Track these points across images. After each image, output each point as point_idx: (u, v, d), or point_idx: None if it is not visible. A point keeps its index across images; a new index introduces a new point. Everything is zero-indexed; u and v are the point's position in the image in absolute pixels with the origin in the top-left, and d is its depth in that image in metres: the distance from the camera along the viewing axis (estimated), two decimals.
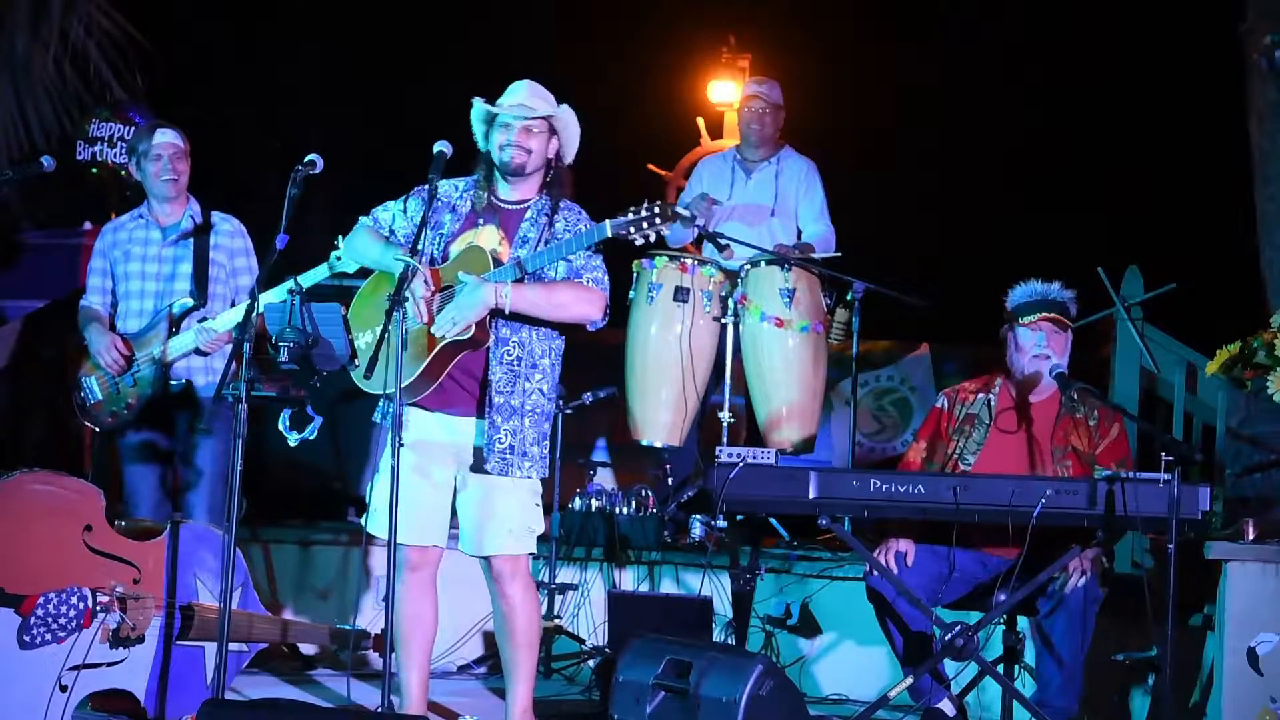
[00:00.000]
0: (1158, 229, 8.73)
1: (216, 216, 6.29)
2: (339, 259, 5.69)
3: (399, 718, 5.21)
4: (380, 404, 5.25)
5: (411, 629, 5.24)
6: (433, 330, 5.08)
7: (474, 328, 5.05)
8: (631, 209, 5.05)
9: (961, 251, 9.19)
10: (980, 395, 5.75)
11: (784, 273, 6.94)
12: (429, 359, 5.05)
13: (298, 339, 5.01)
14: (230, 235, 6.27)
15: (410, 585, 5.22)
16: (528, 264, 5.08)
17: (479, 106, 5.23)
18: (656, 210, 5.02)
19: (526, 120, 5.17)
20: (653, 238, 5.06)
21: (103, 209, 7.98)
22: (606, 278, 5.21)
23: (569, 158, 5.29)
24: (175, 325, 6.15)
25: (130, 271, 6.23)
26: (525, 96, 5.20)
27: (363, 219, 5.34)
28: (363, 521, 5.27)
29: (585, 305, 5.15)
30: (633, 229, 5.03)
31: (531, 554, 5.29)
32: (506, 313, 5.08)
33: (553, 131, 5.23)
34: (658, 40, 10.03)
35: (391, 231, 5.28)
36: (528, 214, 5.23)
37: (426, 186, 5.16)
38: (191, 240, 6.22)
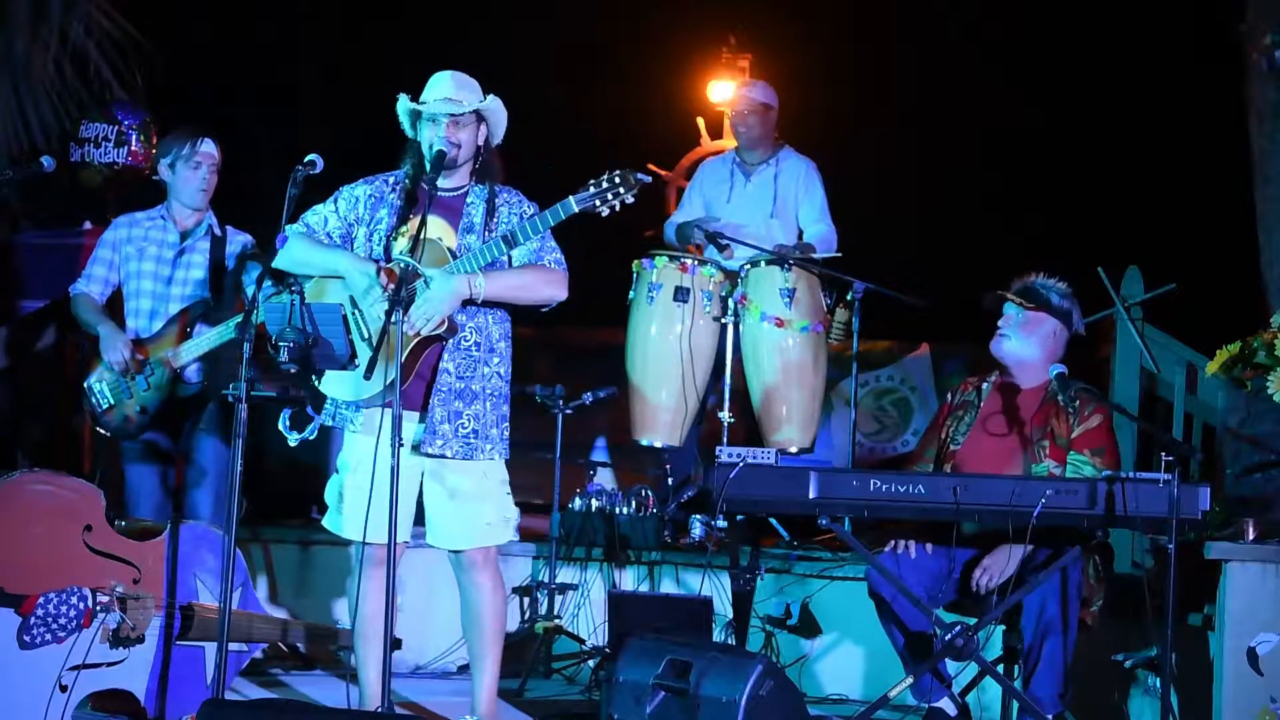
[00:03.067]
0: (1158, 229, 8.72)
1: (231, 230, 6.33)
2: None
3: (399, 718, 5.22)
4: (328, 404, 5.23)
5: (374, 628, 5.10)
6: (406, 329, 5.01)
7: (446, 321, 5.10)
8: (592, 182, 5.03)
9: (961, 251, 9.18)
10: (977, 384, 5.86)
11: (784, 273, 6.94)
12: (403, 357, 4.98)
13: (298, 339, 5.01)
14: (244, 248, 6.31)
15: (374, 581, 5.12)
16: (485, 253, 5.08)
17: (404, 103, 5.21)
18: (618, 179, 5.00)
19: (454, 115, 5.16)
20: (618, 207, 5.01)
21: (102, 209, 7.98)
22: (562, 257, 5.25)
23: (497, 141, 5.29)
24: (188, 328, 6.16)
25: (143, 270, 6.24)
26: (450, 90, 5.18)
27: (292, 227, 5.22)
28: (323, 521, 5.33)
29: (551, 286, 5.21)
30: (598, 201, 5.00)
31: (511, 539, 5.34)
32: (479, 301, 5.12)
33: (480, 119, 5.23)
34: (658, 40, 10.01)
35: (328, 235, 5.27)
36: (468, 200, 5.25)
37: (359, 183, 5.25)
38: (208, 246, 6.24)
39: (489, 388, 5.21)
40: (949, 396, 5.95)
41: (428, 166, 5.14)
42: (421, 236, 5.07)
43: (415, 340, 5.08)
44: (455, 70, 5.25)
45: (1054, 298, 5.71)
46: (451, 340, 5.15)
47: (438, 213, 5.18)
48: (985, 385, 5.83)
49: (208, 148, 6.24)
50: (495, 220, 5.22)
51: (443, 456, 5.16)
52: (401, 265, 5.04)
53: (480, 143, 5.24)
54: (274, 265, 5.18)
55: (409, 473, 5.13)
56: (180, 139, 6.26)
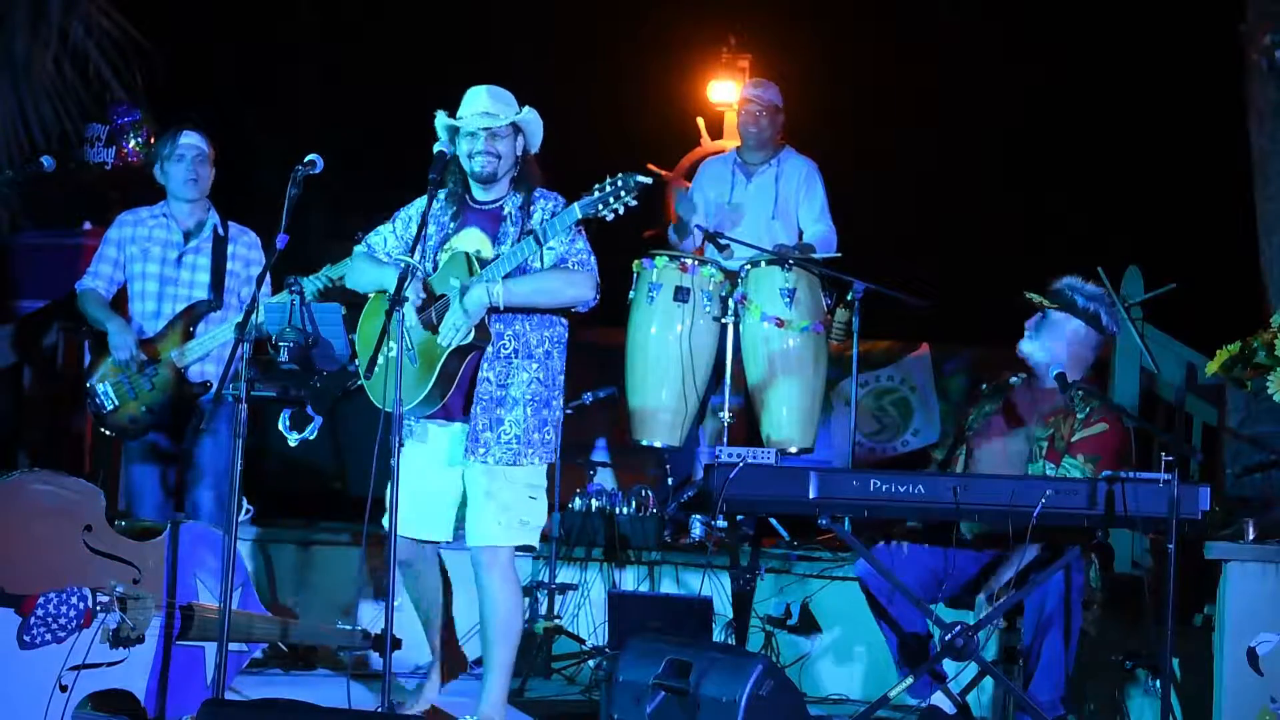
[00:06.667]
0: (1158, 229, 8.72)
1: (235, 228, 6.34)
2: (332, 265, 5.74)
3: (399, 718, 5.22)
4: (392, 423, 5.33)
5: (418, 605, 5.56)
6: (439, 340, 5.18)
7: (474, 330, 5.16)
8: (596, 187, 5.12)
9: (961, 251, 9.18)
10: (1007, 379, 5.86)
11: (784, 273, 6.94)
12: (438, 369, 5.16)
13: (298, 339, 5.02)
14: (249, 246, 6.35)
15: (403, 577, 5.43)
16: (510, 259, 5.17)
17: (441, 119, 5.30)
18: (620, 183, 5.09)
19: (492, 128, 5.25)
20: (621, 211, 5.11)
21: (102, 209, 7.98)
22: (592, 258, 5.30)
23: (534, 149, 5.38)
24: (190, 327, 6.16)
25: (148, 270, 6.25)
26: (487, 104, 5.27)
27: (357, 248, 5.45)
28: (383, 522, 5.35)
29: (575, 288, 5.26)
30: (600, 206, 5.10)
31: (530, 547, 5.43)
32: (501, 308, 5.17)
33: (517, 130, 5.31)
34: (658, 40, 10.01)
35: (387, 254, 5.39)
36: (505, 210, 5.32)
37: (427, 192, 5.25)
38: (211, 246, 6.25)
39: (528, 393, 5.27)
40: (983, 386, 5.95)
41: (469, 179, 5.27)
42: (430, 241, 5.17)
43: (447, 351, 5.16)
44: (491, 86, 5.32)
45: (1079, 299, 5.68)
46: (491, 349, 5.22)
47: (478, 224, 5.30)
48: (1014, 380, 5.83)
49: (189, 139, 6.24)
50: (530, 224, 5.26)
51: (486, 464, 5.24)
52: (402, 265, 5.08)
53: (519, 153, 5.33)
54: (347, 285, 5.44)
55: (451, 477, 5.31)
56: (163, 138, 6.30)
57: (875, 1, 9.59)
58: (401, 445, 4.90)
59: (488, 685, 5.35)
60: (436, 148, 5.29)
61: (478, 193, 5.35)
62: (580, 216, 5.13)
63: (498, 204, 5.34)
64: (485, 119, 5.23)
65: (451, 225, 5.32)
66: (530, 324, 5.28)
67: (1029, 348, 5.71)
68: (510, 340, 5.25)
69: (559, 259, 5.24)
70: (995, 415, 5.77)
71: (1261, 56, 6.64)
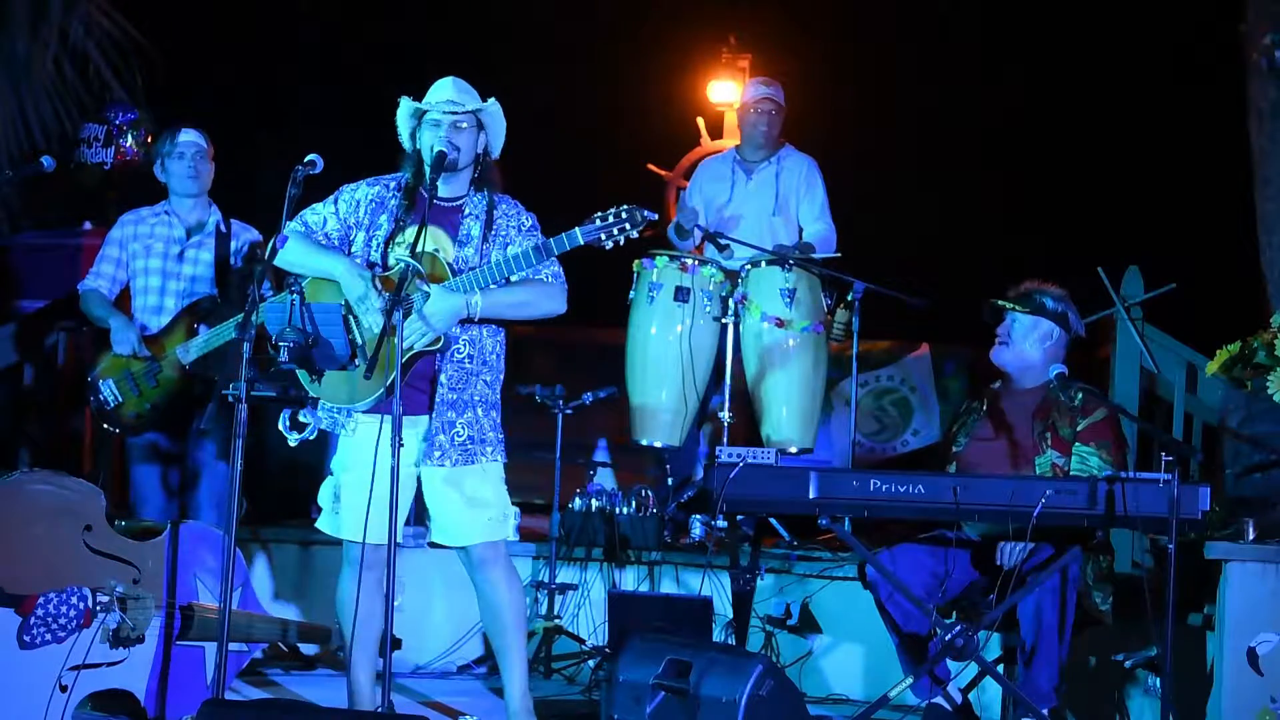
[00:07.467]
0: (1158, 229, 8.73)
1: (238, 225, 6.36)
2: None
3: (399, 717, 5.22)
4: (323, 408, 5.25)
5: (364, 629, 5.20)
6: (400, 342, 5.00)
7: (441, 337, 5.12)
8: (599, 216, 5.08)
9: (961, 251, 9.18)
10: (982, 391, 5.89)
11: (784, 273, 6.95)
12: (395, 372, 4.94)
13: (298, 339, 5.01)
14: (251, 244, 6.33)
15: (364, 584, 5.14)
16: (490, 274, 5.10)
17: (406, 104, 5.25)
18: (624, 215, 5.06)
19: (455, 116, 5.20)
20: (622, 242, 5.09)
21: (102, 209, 7.98)
22: (560, 270, 5.27)
23: (496, 152, 5.32)
24: (195, 325, 6.18)
25: (150, 267, 6.28)
26: (452, 93, 5.24)
27: (290, 225, 5.20)
28: (318, 523, 5.32)
29: (551, 301, 5.25)
30: (603, 235, 5.07)
31: (512, 538, 5.37)
32: (475, 320, 5.15)
33: (480, 127, 5.27)
34: (658, 40, 10.01)
35: (325, 235, 5.27)
36: (465, 210, 5.26)
37: (361, 185, 5.26)
38: (214, 243, 6.27)
39: (478, 396, 5.25)
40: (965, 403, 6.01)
41: (427, 171, 5.15)
42: (420, 248, 5.06)
43: (410, 354, 5.08)
44: (456, 77, 5.29)
45: (1048, 302, 5.74)
46: (446, 354, 5.17)
47: (436, 222, 5.19)
48: (995, 385, 5.86)
49: (188, 136, 6.28)
50: (493, 232, 5.23)
51: (442, 466, 5.20)
52: (403, 266, 5.04)
53: (480, 150, 5.27)
54: (275, 263, 5.21)
55: (404, 477, 5.14)
56: (162, 136, 6.34)
57: (875, 1, 9.59)
58: (402, 445, 4.88)
59: (513, 678, 5.30)
60: (435, 149, 5.16)
61: (436, 188, 5.18)
62: (582, 243, 5.07)
63: (459, 202, 5.27)
64: (450, 105, 5.20)
65: (409, 219, 5.20)
66: (487, 331, 5.25)
67: (1007, 355, 5.76)
68: (466, 346, 5.21)
69: (532, 271, 5.18)
70: (982, 422, 5.79)
71: (1261, 56, 6.65)
